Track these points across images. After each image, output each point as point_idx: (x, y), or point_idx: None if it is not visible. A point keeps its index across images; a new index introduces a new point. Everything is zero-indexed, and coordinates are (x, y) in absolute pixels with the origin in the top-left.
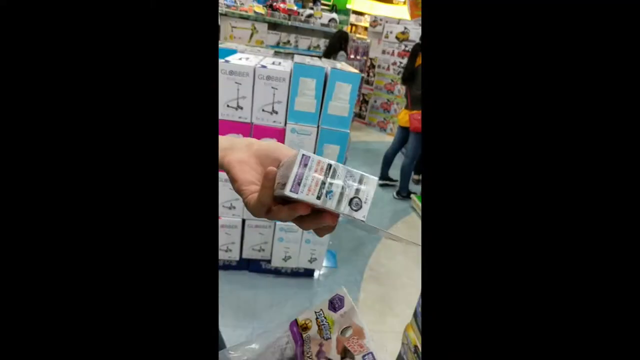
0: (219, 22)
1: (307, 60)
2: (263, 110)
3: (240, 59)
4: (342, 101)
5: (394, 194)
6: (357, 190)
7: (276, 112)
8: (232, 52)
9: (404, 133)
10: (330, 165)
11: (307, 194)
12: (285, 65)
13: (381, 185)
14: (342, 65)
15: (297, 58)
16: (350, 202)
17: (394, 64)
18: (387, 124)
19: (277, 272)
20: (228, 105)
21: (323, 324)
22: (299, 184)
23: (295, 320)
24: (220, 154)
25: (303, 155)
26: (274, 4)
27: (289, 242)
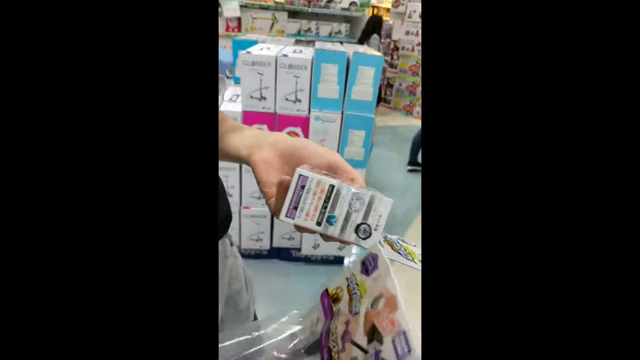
0: (240, 14)
1: (329, 46)
2: (286, 99)
3: (261, 49)
4: (365, 85)
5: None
6: (366, 215)
7: (299, 101)
8: (253, 42)
9: None
10: (332, 187)
11: (304, 220)
12: (307, 53)
13: (410, 171)
14: (364, 48)
15: (319, 44)
16: (357, 229)
17: (419, 44)
18: (413, 108)
19: (308, 260)
20: (251, 97)
21: (354, 292)
22: (295, 209)
23: (326, 289)
24: (247, 151)
25: (300, 175)
26: None
27: None
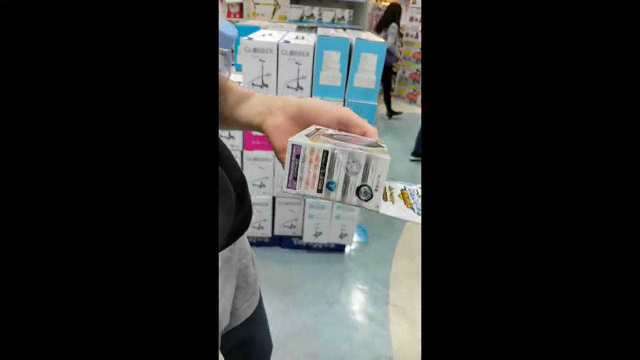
0: (242, 0)
1: (331, 32)
2: (288, 87)
3: (263, 35)
4: (368, 73)
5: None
6: (365, 176)
7: (301, 88)
8: (256, 28)
9: None
10: (326, 152)
11: (305, 188)
12: (309, 39)
13: (412, 161)
14: (367, 35)
15: (321, 31)
16: (357, 192)
17: None
18: (417, 96)
19: (309, 248)
20: (253, 84)
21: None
22: (295, 179)
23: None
24: (259, 118)
25: (293, 145)
26: None
27: (319, 219)
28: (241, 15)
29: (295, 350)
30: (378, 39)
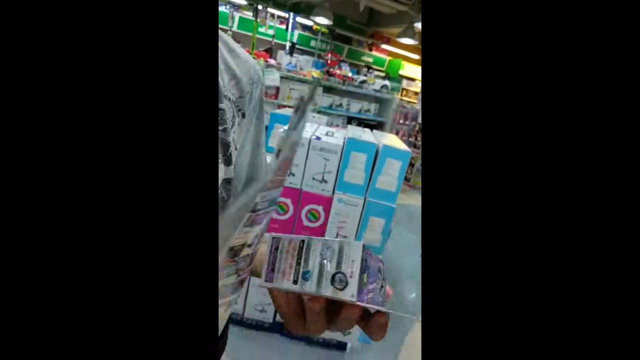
0: (279, 85)
1: (359, 133)
2: (313, 178)
3: None
4: (390, 177)
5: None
6: (339, 263)
7: (325, 182)
8: (288, 118)
9: None
10: (303, 242)
11: (282, 280)
12: (339, 137)
13: None
14: (392, 140)
15: (350, 131)
16: (332, 281)
17: None
18: None
19: (309, 341)
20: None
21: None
22: (272, 270)
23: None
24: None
25: (273, 238)
26: (331, 70)
27: None
28: (276, 97)
29: None
30: (403, 146)
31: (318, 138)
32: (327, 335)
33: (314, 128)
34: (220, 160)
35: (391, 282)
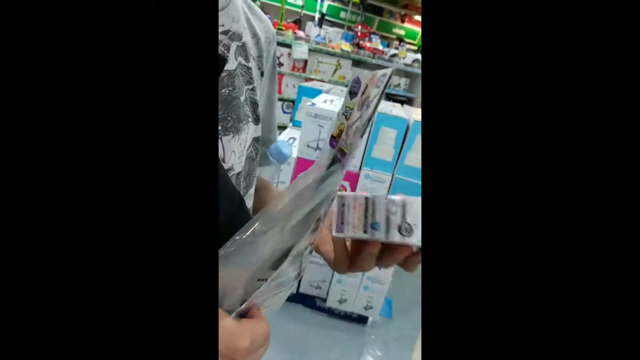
0: (307, 57)
1: (389, 108)
2: None
3: (325, 101)
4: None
5: None
6: (404, 216)
7: (353, 157)
8: (318, 91)
9: None
10: (367, 199)
11: (353, 231)
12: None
13: None
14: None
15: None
16: (399, 229)
17: None
18: None
19: (330, 312)
20: (308, 145)
21: (349, 114)
22: (342, 223)
23: (332, 134)
24: None
25: (339, 196)
26: (361, 42)
27: (347, 286)
28: (304, 71)
29: None
30: None
31: None
32: (349, 308)
33: (341, 102)
34: (250, 120)
35: None
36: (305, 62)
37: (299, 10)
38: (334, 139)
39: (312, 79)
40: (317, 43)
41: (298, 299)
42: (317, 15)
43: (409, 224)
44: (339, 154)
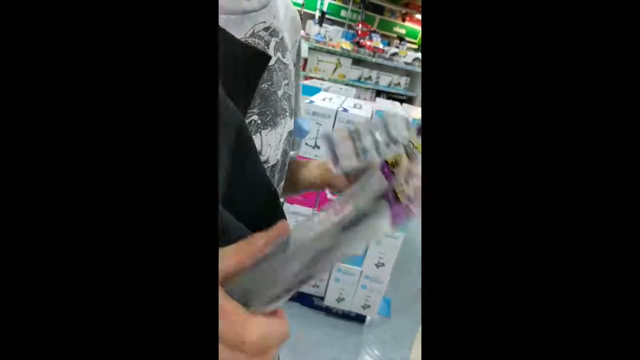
0: (307, 55)
1: (388, 107)
2: None
3: (323, 99)
4: None
5: None
6: (388, 132)
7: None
8: (317, 90)
9: None
10: (350, 130)
11: (349, 162)
12: (366, 109)
13: None
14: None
15: (379, 104)
16: (387, 146)
17: None
18: None
19: (328, 311)
20: (306, 143)
21: (414, 153)
22: (337, 160)
23: (385, 160)
24: (320, 179)
25: (324, 139)
26: (361, 41)
27: (345, 284)
28: (304, 69)
29: None
30: None
31: (345, 110)
32: (346, 306)
33: (341, 100)
34: (287, 114)
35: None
36: (306, 60)
37: (299, 8)
38: (387, 166)
39: (312, 78)
40: (317, 41)
41: (295, 297)
42: (317, 14)
43: (395, 138)
44: (391, 195)
